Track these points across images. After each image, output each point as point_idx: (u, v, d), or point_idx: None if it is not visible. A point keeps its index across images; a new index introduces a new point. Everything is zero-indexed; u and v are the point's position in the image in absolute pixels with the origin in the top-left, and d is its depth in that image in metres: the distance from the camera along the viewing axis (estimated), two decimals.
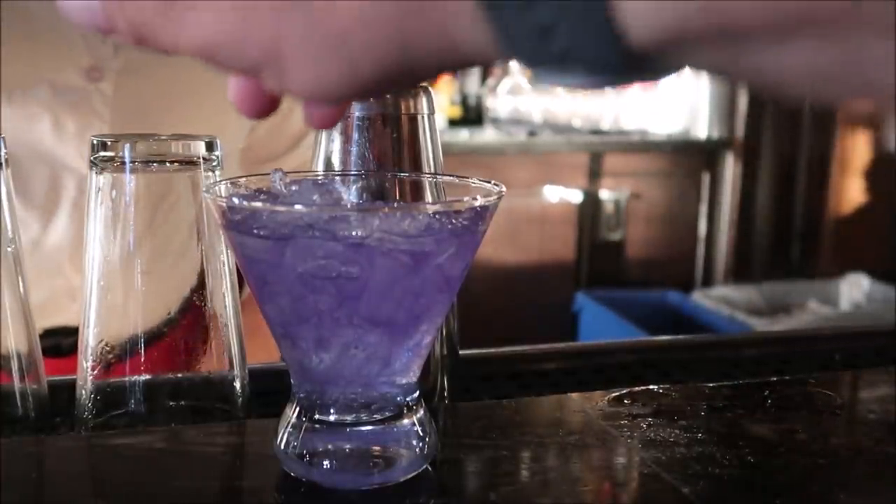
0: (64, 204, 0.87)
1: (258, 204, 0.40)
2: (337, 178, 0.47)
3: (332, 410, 0.42)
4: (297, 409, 0.43)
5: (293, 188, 0.42)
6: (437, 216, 0.39)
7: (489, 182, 0.43)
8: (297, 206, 0.38)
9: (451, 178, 0.47)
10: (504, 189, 0.41)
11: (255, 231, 0.38)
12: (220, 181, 0.44)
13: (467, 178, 0.45)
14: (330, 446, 0.43)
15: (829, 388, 0.59)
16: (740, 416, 0.53)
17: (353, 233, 0.37)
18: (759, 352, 0.76)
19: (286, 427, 0.43)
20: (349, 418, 0.42)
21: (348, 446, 0.42)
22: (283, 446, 0.43)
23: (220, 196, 0.40)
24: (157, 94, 0.89)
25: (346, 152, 0.51)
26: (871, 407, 0.56)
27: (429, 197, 0.49)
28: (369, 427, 0.43)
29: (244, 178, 0.44)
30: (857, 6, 0.21)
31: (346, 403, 0.42)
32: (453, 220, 0.39)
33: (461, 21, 0.25)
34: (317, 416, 0.43)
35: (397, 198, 0.49)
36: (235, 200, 0.40)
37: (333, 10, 0.26)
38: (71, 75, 0.84)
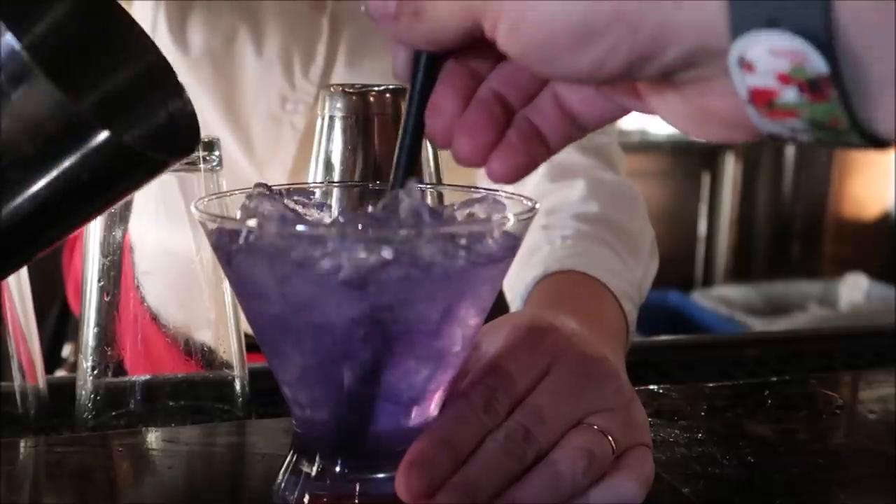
0: None
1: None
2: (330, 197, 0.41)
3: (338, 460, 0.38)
4: (297, 454, 0.39)
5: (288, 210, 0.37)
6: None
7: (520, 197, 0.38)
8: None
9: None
10: (538, 205, 0.37)
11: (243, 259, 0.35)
12: (213, 195, 0.40)
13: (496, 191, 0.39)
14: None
15: (829, 388, 0.59)
16: (740, 416, 0.53)
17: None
18: (759, 352, 0.76)
19: (286, 475, 0.39)
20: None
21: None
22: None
23: (211, 218, 0.36)
24: None
25: (345, 152, 0.51)
26: (871, 407, 0.56)
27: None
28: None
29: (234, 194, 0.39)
30: None
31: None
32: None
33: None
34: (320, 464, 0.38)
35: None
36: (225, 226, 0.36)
37: None
38: (269, 100, 0.83)
